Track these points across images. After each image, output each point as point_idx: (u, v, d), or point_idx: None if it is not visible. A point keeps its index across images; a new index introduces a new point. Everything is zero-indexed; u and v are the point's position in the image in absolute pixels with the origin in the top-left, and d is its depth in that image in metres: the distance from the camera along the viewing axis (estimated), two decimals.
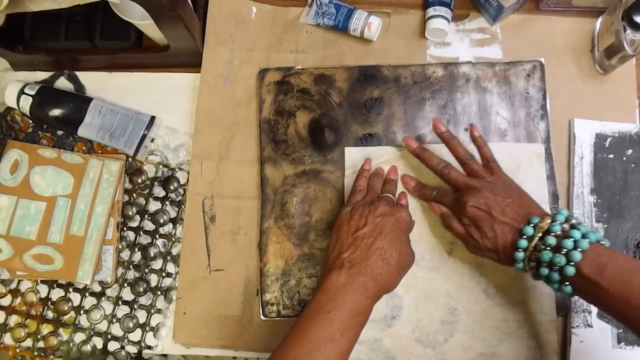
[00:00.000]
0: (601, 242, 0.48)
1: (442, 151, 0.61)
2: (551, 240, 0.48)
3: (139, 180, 0.68)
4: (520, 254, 0.50)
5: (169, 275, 0.65)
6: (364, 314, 0.50)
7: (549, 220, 0.49)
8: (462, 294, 0.60)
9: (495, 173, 0.57)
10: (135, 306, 0.65)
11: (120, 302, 0.65)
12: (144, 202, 0.67)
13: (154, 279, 0.65)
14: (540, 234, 0.49)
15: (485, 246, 0.53)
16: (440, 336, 0.60)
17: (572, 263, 0.46)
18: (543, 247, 0.48)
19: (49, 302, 0.66)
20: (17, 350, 0.65)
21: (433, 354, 0.59)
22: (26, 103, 0.67)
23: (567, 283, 0.48)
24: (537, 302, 0.59)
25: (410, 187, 0.62)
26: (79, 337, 0.65)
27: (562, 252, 0.47)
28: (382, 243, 0.53)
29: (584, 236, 0.47)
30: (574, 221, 0.49)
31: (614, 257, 0.46)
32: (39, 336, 0.65)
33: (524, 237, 0.50)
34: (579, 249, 0.46)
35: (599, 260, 0.46)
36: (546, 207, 0.61)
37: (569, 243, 0.47)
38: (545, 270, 0.49)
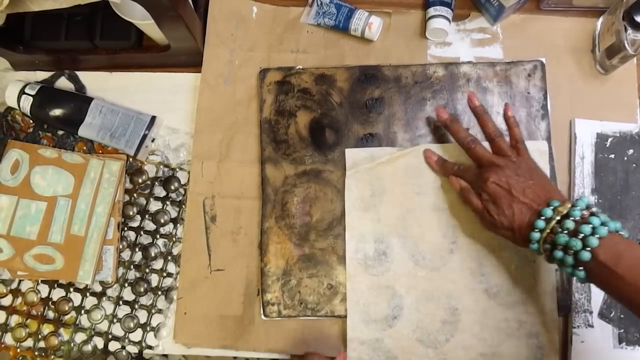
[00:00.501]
0: (620, 232, 0.48)
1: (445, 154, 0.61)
2: (569, 224, 0.48)
3: (140, 180, 0.68)
4: (536, 235, 0.50)
5: (169, 275, 0.65)
6: None
7: (569, 205, 0.49)
8: (464, 294, 0.60)
9: (522, 154, 0.57)
10: (136, 306, 0.65)
11: (121, 302, 0.65)
12: (144, 202, 0.67)
13: (154, 279, 0.65)
14: (558, 217, 0.49)
15: (501, 223, 0.53)
16: (441, 336, 0.60)
17: (588, 248, 0.46)
18: (560, 230, 0.48)
19: (50, 302, 0.66)
20: (18, 350, 0.65)
21: (434, 354, 0.59)
22: (27, 103, 0.67)
23: (580, 268, 0.48)
24: (539, 302, 0.59)
25: (432, 161, 0.62)
26: (80, 337, 0.65)
27: (579, 237, 0.47)
28: None
29: (603, 224, 0.47)
30: (594, 209, 0.49)
31: (631, 247, 0.46)
32: (39, 336, 0.65)
33: (542, 218, 0.50)
34: (596, 235, 0.46)
35: (615, 249, 0.46)
36: None
37: (587, 229, 0.47)
38: (559, 253, 0.49)
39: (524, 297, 0.60)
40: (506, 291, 0.60)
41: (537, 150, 0.63)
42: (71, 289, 0.66)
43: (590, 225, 0.47)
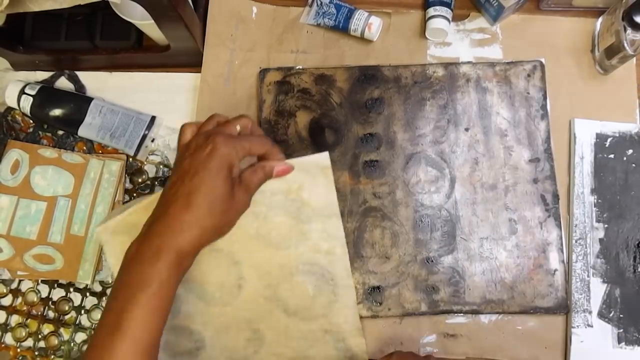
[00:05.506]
0: None
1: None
2: None
3: (140, 180, 0.68)
4: None
5: None
6: (152, 284, 0.42)
7: None
8: (262, 317, 0.59)
9: None
10: None
11: None
12: None
13: None
14: None
15: None
16: (249, 349, 0.59)
17: None
18: None
19: (50, 302, 0.66)
20: (18, 350, 0.65)
21: None
22: (27, 103, 0.67)
23: None
24: (340, 315, 0.59)
25: None
26: (80, 336, 0.65)
27: None
28: (186, 187, 0.45)
29: None
30: None
31: None
32: (39, 336, 0.65)
33: None
34: None
35: None
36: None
37: None
38: None
39: (325, 310, 0.59)
40: (306, 308, 0.59)
41: (316, 166, 0.56)
42: (71, 289, 0.66)
43: None
